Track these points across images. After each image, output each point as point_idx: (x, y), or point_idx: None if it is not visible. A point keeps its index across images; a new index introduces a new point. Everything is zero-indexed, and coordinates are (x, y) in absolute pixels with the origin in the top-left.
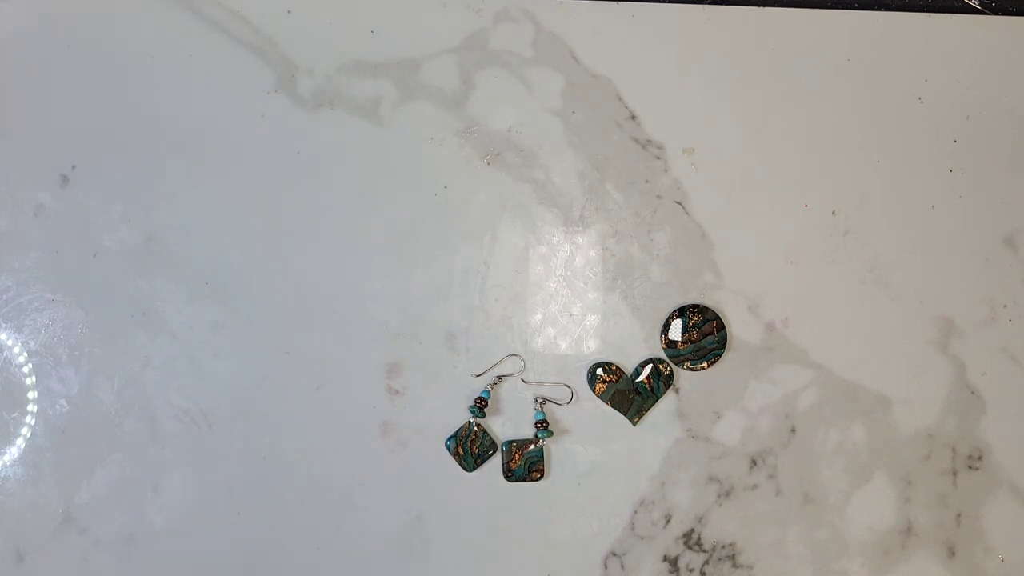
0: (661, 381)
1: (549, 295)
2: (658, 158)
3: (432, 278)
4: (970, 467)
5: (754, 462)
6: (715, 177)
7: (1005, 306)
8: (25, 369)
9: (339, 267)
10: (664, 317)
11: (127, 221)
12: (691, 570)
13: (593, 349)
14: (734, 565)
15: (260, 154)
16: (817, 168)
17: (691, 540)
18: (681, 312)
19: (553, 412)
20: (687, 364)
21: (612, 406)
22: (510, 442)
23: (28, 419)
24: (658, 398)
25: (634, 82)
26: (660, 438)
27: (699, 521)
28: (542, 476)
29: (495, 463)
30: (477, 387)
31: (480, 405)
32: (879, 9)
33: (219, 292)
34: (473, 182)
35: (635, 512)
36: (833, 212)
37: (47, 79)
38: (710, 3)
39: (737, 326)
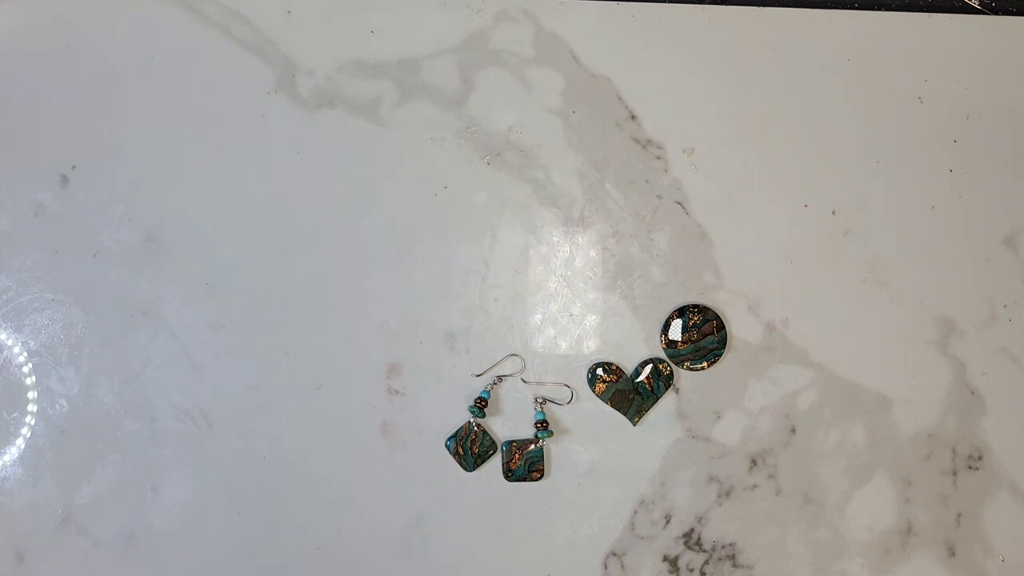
0: (661, 381)
1: (549, 295)
2: (658, 158)
3: (432, 278)
4: (970, 467)
5: (754, 462)
6: (715, 177)
7: (1005, 306)
8: (25, 369)
9: (339, 267)
10: (664, 317)
11: (127, 221)
12: (691, 570)
13: (593, 349)
14: (734, 565)
15: (260, 154)
16: (817, 168)
17: (691, 540)
18: (681, 312)
19: (553, 412)
20: (687, 364)
21: (612, 406)
22: (510, 442)
23: (28, 419)
24: (658, 398)
25: (634, 82)
26: (660, 438)
27: (699, 521)
28: (542, 476)
29: (495, 463)
30: (477, 387)
31: (480, 405)
32: (879, 9)
33: (219, 292)
34: (473, 182)
35: (635, 512)
36: (833, 212)
37: (47, 79)
38: (710, 3)
39: (737, 326)
